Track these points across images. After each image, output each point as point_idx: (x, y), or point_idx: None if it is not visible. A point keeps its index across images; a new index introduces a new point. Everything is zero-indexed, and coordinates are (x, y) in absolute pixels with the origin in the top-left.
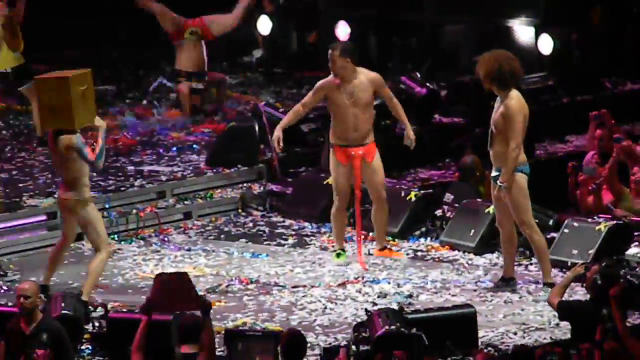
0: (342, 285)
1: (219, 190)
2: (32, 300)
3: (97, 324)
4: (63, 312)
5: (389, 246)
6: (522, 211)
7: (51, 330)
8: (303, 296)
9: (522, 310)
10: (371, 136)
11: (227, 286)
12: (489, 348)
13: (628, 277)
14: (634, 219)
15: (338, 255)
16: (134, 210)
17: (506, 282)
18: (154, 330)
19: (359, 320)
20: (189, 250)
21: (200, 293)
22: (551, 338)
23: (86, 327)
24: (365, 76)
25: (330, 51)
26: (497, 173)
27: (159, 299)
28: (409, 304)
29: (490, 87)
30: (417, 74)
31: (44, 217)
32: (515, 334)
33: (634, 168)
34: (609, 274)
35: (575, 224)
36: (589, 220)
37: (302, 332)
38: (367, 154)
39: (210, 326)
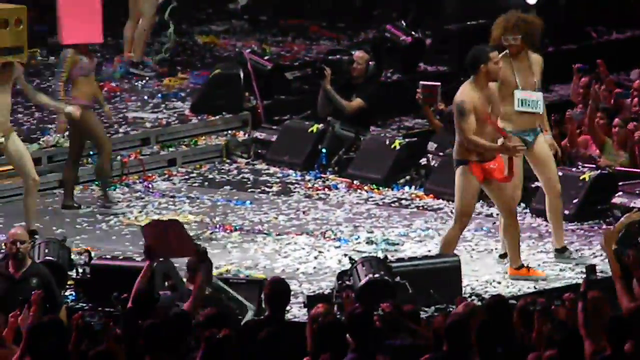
0: (326, 233)
1: (204, 138)
2: (27, 245)
3: (80, 270)
4: (47, 258)
5: (526, 264)
6: None
7: (40, 275)
8: (287, 244)
9: (507, 258)
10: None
11: (211, 233)
12: (473, 297)
13: None
14: (617, 168)
15: None
16: (118, 157)
17: (560, 253)
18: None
19: (343, 268)
20: (173, 197)
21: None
22: (535, 288)
23: (70, 273)
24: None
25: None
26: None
27: (156, 246)
28: (394, 252)
29: (522, 48)
30: (403, 22)
31: None
32: (499, 283)
33: (615, 120)
34: None
35: (560, 174)
36: (574, 169)
37: (286, 279)
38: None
39: (205, 273)
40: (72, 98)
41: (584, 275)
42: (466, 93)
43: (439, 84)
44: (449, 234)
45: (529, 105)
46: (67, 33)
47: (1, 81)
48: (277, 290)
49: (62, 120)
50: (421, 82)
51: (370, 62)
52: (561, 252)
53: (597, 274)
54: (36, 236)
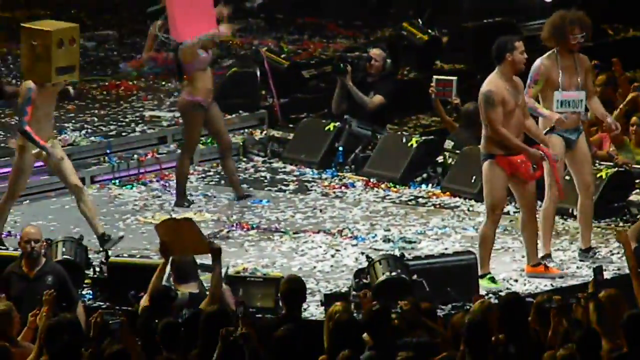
0: (343, 231)
1: None
2: (41, 244)
3: (97, 269)
4: (64, 257)
5: (543, 262)
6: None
7: (55, 273)
8: (304, 242)
9: (523, 257)
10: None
11: (228, 232)
12: (490, 295)
13: None
14: (634, 166)
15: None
16: (135, 156)
17: (585, 253)
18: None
19: (359, 266)
20: (190, 195)
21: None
22: (552, 285)
23: (87, 272)
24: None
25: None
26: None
27: (170, 244)
28: (411, 250)
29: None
30: (419, 20)
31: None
32: (516, 281)
33: (632, 118)
34: None
35: None
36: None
37: (303, 278)
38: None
39: (220, 271)
40: (187, 94)
41: (592, 277)
42: (494, 83)
43: (454, 78)
44: (482, 231)
45: (569, 105)
46: (182, 29)
47: (52, 96)
48: (292, 289)
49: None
50: (435, 77)
51: (387, 60)
52: (586, 252)
53: (605, 275)
54: (107, 239)
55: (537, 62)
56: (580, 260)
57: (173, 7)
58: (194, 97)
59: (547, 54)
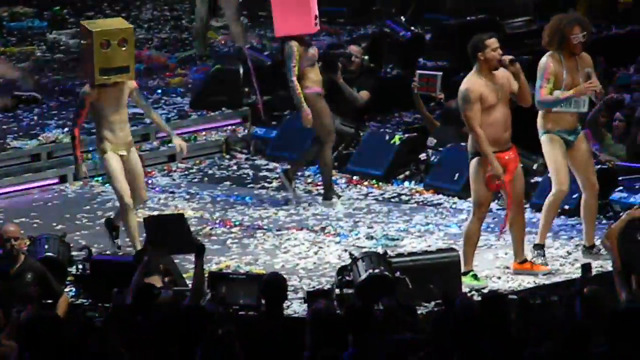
0: (326, 228)
1: (204, 133)
2: (20, 242)
3: (80, 266)
4: (47, 254)
5: (530, 259)
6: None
7: (34, 269)
8: (287, 239)
9: (506, 254)
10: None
11: (211, 229)
12: (473, 292)
13: None
14: (618, 163)
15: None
16: None
17: (589, 250)
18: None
19: (342, 263)
20: (172, 192)
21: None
22: (534, 282)
23: (70, 269)
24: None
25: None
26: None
27: (156, 240)
28: (394, 247)
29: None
30: (402, 17)
31: (28, 159)
32: (499, 278)
33: (616, 114)
34: None
35: None
36: None
37: (286, 275)
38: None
39: (202, 268)
40: (306, 89)
41: (580, 274)
42: (471, 81)
43: (439, 73)
44: (467, 227)
45: (571, 105)
46: (280, 25)
47: (115, 99)
48: (274, 286)
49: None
50: (418, 71)
51: (364, 56)
52: (590, 249)
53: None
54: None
55: (544, 60)
56: (584, 256)
57: (273, 2)
58: (312, 88)
59: (549, 53)
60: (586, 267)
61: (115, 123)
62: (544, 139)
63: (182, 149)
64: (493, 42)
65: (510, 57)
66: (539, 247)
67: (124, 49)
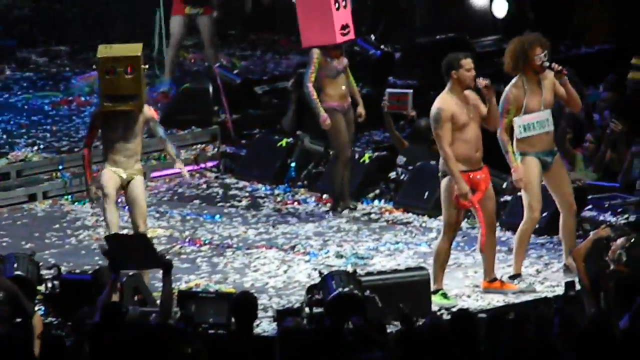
0: (295, 247)
1: None
2: None
3: (49, 285)
4: (16, 273)
5: (499, 277)
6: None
7: (5, 288)
8: (256, 258)
9: (476, 272)
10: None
11: (180, 247)
12: (442, 311)
13: None
14: (587, 182)
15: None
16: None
17: (569, 269)
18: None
19: (312, 282)
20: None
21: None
22: (504, 301)
23: (39, 288)
24: None
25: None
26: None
27: (121, 258)
28: (363, 265)
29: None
30: (372, 36)
31: None
32: (469, 296)
33: (587, 135)
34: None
35: None
36: (543, 183)
37: (255, 294)
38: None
39: (170, 286)
40: (322, 102)
41: (563, 291)
42: (443, 100)
43: (410, 91)
44: (437, 246)
45: (534, 127)
46: (304, 36)
47: (123, 127)
48: (244, 305)
49: None
50: (388, 90)
51: None
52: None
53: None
54: None
55: (506, 91)
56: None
57: (298, 12)
58: (327, 102)
59: (513, 81)
60: (569, 285)
61: (120, 151)
62: (519, 160)
63: (185, 174)
64: (468, 62)
65: (487, 81)
66: (517, 276)
67: (130, 76)
